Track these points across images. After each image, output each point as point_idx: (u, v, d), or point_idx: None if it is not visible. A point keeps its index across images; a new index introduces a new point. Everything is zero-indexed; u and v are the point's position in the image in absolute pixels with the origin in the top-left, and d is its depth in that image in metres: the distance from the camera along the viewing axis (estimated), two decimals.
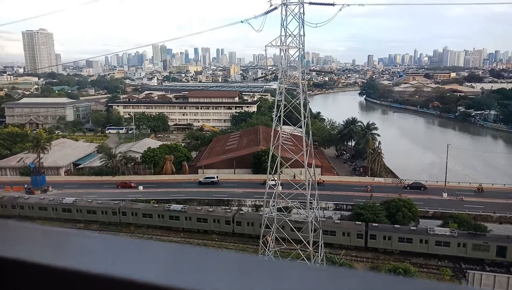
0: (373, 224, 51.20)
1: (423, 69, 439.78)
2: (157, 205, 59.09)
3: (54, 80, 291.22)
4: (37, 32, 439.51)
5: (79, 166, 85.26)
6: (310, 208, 39.86)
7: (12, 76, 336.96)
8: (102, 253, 1.00)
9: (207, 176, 73.55)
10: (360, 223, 51.44)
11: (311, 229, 38.82)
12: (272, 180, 41.91)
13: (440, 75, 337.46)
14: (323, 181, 68.63)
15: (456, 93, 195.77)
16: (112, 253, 0.99)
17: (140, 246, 1.00)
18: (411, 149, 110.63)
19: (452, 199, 61.99)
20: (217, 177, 72.97)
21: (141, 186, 71.01)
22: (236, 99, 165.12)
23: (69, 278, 0.89)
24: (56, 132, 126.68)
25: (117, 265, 0.90)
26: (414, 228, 51.15)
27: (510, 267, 45.89)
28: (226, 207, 60.43)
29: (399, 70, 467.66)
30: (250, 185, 68.32)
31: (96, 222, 59.61)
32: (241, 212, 56.84)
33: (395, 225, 51.01)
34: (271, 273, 0.87)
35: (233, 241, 54.10)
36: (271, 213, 41.45)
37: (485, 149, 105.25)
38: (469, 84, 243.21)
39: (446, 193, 63.36)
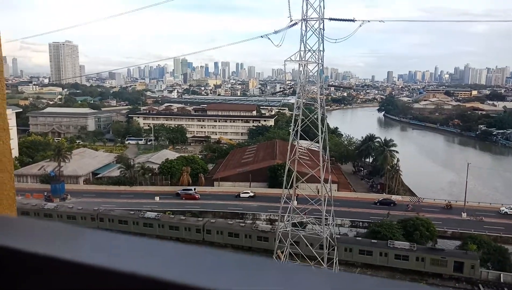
0: (337, 236, 52.02)
1: (444, 86, 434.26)
2: (243, 224, 58.21)
3: (77, 91, 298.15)
4: (63, 44, 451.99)
5: (98, 176, 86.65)
6: (326, 224, 39.54)
7: (37, 86, 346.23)
8: (114, 249, 1.03)
9: (185, 188, 75.08)
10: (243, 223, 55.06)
11: (326, 246, 38.46)
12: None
13: (461, 93, 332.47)
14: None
15: (477, 111, 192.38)
16: (124, 250, 1.02)
17: (155, 245, 1.02)
18: (430, 167, 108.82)
19: (471, 219, 60.58)
20: (194, 189, 74.38)
21: (157, 197, 71.63)
22: (254, 113, 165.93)
23: (79, 270, 0.93)
24: (77, 141, 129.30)
25: (133, 261, 0.92)
26: (375, 241, 51.59)
27: (468, 282, 46.37)
28: (240, 221, 60.42)
29: (419, 87, 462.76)
30: (265, 199, 68.20)
31: None
32: (212, 221, 58.71)
33: (357, 237, 52.77)
34: (282, 275, 0.88)
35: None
36: (286, 228, 41.28)
37: (506, 169, 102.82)
38: (491, 102, 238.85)
39: (465, 213, 61.98)
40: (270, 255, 51.78)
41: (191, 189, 74.10)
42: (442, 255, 47.35)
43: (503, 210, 64.09)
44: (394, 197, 71.97)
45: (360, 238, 53.43)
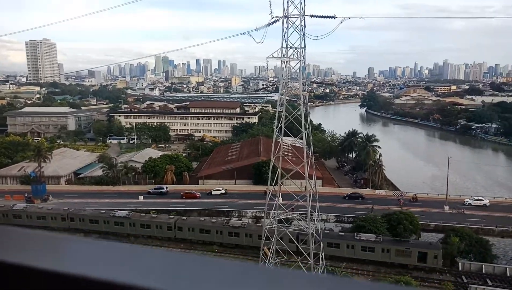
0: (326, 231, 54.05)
1: (424, 82, 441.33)
2: (214, 221, 58.27)
3: (56, 90, 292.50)
4: (40, 42, 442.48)
5: (80, 176, 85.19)
6: (311, 220, 39.67)
7: (14, 85, 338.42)
8: (99, 258, 1.00)
9: (156, 186, 75.07)
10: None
11: (312, 241, 38.59)
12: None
13: (440, 88, 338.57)
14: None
15: (456, 106, 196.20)
16: (110, 259, 0.99)
17: (139, 253, 1.01)
18: (412, 161, 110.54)
19: (453, 212, 61.72)
20: (166, 187, 74.31)
21: (141, 196, 70.83)
22: (237, 110, 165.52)
23: (67, 282, 0.90)
24: (58, 141, 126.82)
25: (116, 271, 0.91)
26: (342, 233, 53.48)
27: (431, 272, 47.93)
28: (225, 218, 60.25)
29: (399, 82, 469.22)
30: (250, 196, 68.14)
31: (46, 228, 59.48)
32: (183, 218, 58.80)
33: (325, 230, 53.55)
34: (271, 281, 0.87)
35: (176, 245, 56.48)
36: (272, 224, 41.28)
37: (486, 162, 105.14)
38: (469, 97, 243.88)
39: (447, 207, 63.11)
40: (241, 250, 53.91)
41: (162, 188, 74.00)
42: (406, 246, 48.86)
43: (467, 201, 65.46)
44: (377, 192, 72.80)
45: (328, 231, 54.57)
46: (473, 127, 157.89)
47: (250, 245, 53.22)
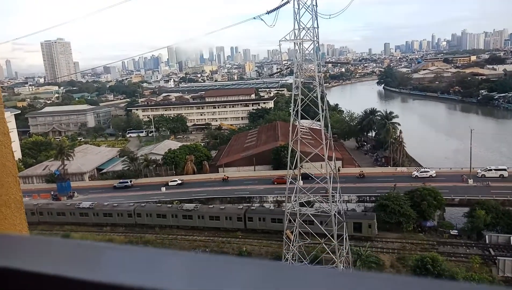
0: (252, 207, 57.15)
1: (442, 54, 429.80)
2: (170, 205, 61.40)
3: (73, 88, 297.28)
4: (55, 42, 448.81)
5: (103, 171, 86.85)
6: (333, 202, 39.53)
7: (33, 87, 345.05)
8: (126, 265, 1.00)
9: (120, 181, 76.81)
10: (241, 207, 57.38)
11: (335, 223, 38.49)
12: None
13: (460, 59, 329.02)
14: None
15: (477, 77, 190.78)
16: (135, 264, 1.00)
17: (160, 256, 1.02)
18: (433, 136, 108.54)
19: (478, 185, 60.53)
20: (130, 181, 75.90)
21: (164, 188, 71.80)
22: (253, 96, 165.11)
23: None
24: (79, 138, 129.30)
25: (141, 276, 0.91)
26: (272, 208, 56.06)
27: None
28: (248, 204, 60.65)
29: (417, 56, 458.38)
30: (271, 182, 68.24)
31: None
32: (142, 205, 61.13)
33: (271, 208, 56.86)
34: (297, 281, 0.86)
35: (136, 231, 59.42)
36: (293, 208, 41.33)
37: (510, 133, 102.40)
38: (490, 66, 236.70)
39: (471, 180, 61.91)
40: (195, 231, 57.08)
41: (126, 182, 75.64)
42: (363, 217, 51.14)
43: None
44: (399, 169, 71.90)
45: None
46: (496, 97, 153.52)
47: (203, 226, 57.03)
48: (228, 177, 73.54)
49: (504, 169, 63.80)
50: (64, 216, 62.93)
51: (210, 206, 59.67)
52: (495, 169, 63.88)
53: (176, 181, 73.86)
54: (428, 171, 67.08)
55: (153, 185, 73.84)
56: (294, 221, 40.49)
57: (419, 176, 65.95)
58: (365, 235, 50.39)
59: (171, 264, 0.98)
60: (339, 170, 66.79)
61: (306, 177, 47.84)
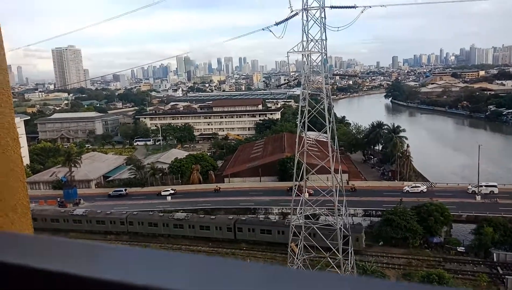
0: (242, 218, 57.41)
1: (450, 69, 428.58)
2: (161, 214, 62.04)
3: (83, 95, 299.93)
4: (66, 49, 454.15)
5: (109, 178, 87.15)
6: (338, 215, 39.24)
7: (43, 93, 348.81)
8: (136, 264, 1.04)
9: (115, 189, 77.00)
10: (231, 217, 58.05)
11: (340, 236, 38.18)
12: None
13: (468, 74, 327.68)
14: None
15: (486, 92, 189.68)
16: (146, 264, 1.02)
17: (168, 257, 1.04)
18: (441, 151, 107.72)
19: (486, 201, 59.83)
20: (125, 190, 76.20)
21: (169, 197, 71.82)
22: (260, 107, 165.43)
23: (97, 287, 0.94)
24: (86, 145, 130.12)
25: (155, 276, 0.93)
26: (275, 220, 56.24)
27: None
28: (253, 215, 60.42)
29: (425, 70, 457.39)
30: (276, 193, 67.99)
31: None
32: (134, 213, 61.58)
33: (261, 219, 57.39)
34: (301, 284, 0.86)
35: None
36: (299, 220, 41.08)
37: None
38: (499, 82, 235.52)
39: (479, 196, 61.24)
40: (185, 241, 57.25)
41: (121, 190, 75.89)
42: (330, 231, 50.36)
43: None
44: (405, 183, 71.38)
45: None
46: (504, 113, 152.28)
47: (194, 236, 57.52)
48: (220, 188, 73.55)
49: (495, 186, 63.89)
50: (58, 223, 63.51)
51: (201, 215, 60.16)
52: (485, 186, 63.91)
53: (169, 191, 74.08)
54: (419, 187, 67.20)
55: (149, 195, 74.33)
56: (299, 233, 40.21)
57: (410, 191, 65.92)
58: (354, 249, 49.59)
59: (175, 265, 1.01)
60: (348, 183, 66.81)
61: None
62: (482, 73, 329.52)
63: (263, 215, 62.04)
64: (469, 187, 64.77)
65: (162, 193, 73.15)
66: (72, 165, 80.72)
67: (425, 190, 66.20)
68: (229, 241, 56.16)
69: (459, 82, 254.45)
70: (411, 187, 67.21)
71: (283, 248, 52.77)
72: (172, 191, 73.93)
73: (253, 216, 60.39)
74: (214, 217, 59.37)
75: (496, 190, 62.84)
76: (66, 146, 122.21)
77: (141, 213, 62.42)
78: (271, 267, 0.93)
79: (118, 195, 75.01)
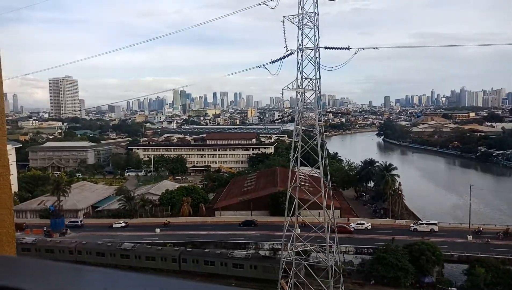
0: (187, 249, 57.40)
1: (441, 110, 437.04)
2: (110, 244, 61.55)
3: (77, 125, 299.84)
4: (63, 80, 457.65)
5: (98, 209, 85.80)
6: (330, 252, 38.80)
7: (37, 121, 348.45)
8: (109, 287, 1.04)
9: (71, 219, 76.74)
10: (177, 249, 58.10)
11: (331, 274, 37.60)
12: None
13: (458, 115, 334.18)
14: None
15: (476, 133, 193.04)
16: (116, 287, 1.04)
17: (141, 279, 1.05)
18: (433, 190, 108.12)
19: (477, 242, 59.53)
20: (80, 221, 76.54)
21: (158, 229, 70.61)
22: (253, 141, 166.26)
23: None
24: (77, 175, 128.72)
25: None
26: (219, 252, 56.33)
27: None
28: (243, 251, 59.33)
29: (416, 110, 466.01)
30: (267, 228, 67.15)
31: None
32: (83, 243, 61.64)
33: (206, 250, 57.63)
34: None
35: None
36: (289, 256, 40.49)
37: (509, 190, 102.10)
38: (489, 123, 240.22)
39: (471, 236, 60.99)
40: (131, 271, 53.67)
41: (77, 221, 75.96)
42: (270, 263, 51.99)
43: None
44: (397, 222, 71.04)
45: (207, 250, 57.46)
46: (494, 154, 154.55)
47: (140, 266, 56.07)
48: (169, 222, 73.62)
49: (435, 224, 65.53)
50: (29, 252, 61.50)
51: (148, 246, 59.91)
52: (426, 223, 65.81)
53: (121, 223, 73.81)
54: (430, 225, 65.44)
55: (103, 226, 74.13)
56: (290, 270, 39.54)
57: (418, 229, 64.77)
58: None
59: (154, 287, 1.01)
60: (348, 220, 65.97)
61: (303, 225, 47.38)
62: (472, 114, 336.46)
63: (254, 250, 60.91)
64: (412, 225, 66.00)
65: (114, 226, 72.83)
66: (61, 194, 79.58)
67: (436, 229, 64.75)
68: (173, 272, 55.61)
69: (450, 123, 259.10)
70: (419, 225, 65.84)
71: (231, 281, 54.05)
72: (124, 224, 73.55)
73: (244, 251, 59.22)
74: (160, 247, 59.30)
75: (436, 228, 64.34)
76: (56, 174, 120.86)
77: (90, 243, 62.07)
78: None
79: (74, 226, 74.42)
